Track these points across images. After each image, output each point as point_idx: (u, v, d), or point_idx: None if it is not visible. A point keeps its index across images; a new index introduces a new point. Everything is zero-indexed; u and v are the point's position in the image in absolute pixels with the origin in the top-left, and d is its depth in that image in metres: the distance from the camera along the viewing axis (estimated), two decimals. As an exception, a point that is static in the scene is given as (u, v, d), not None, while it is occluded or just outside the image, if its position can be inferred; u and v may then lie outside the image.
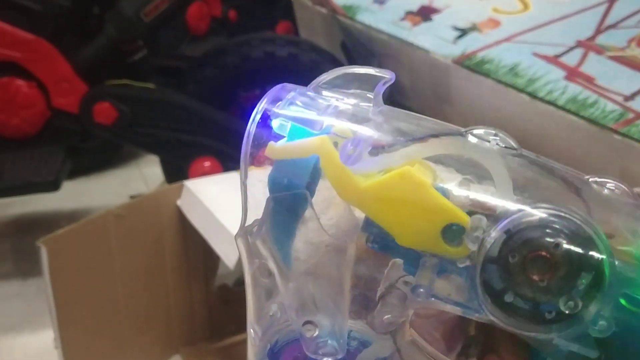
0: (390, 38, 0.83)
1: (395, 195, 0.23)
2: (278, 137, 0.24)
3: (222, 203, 0.66)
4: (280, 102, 0.25)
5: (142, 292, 0.73)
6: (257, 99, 0.25)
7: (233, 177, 0.74)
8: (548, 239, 0.21)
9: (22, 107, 0.95)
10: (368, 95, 0.25)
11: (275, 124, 0.24)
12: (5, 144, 0.99)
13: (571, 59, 0.68)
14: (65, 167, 1.01)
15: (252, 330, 0.26)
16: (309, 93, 0.25)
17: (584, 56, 0.68)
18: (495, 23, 0.78)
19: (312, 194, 0.24)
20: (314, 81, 0.26)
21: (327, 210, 0.25)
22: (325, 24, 0.98)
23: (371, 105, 0.25)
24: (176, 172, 0.99)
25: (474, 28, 0.78)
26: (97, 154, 1.41)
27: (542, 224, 0.21)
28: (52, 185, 1.00)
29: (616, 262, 0.21)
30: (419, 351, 0.25)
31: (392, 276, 0.24)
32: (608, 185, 0.24)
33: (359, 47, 0.90)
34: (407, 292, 0.23)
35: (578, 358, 0.22)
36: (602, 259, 0.21)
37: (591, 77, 0.65)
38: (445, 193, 0.23)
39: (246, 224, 0.25)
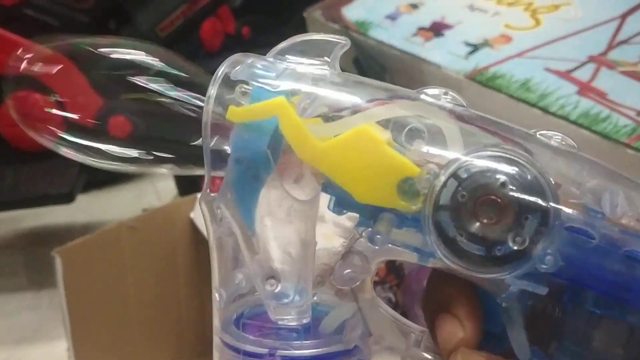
0: (402, 54, 0.84)
1: (352, 153, 0.23)
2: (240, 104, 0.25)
3: (235, 215, 0.66)
4: (239, 66, 0.25)
5: (154, 304, 0.73)
6: None
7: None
8: (496, 183, 0.22)
9: (39, 121, 0.96)
10: (326, 59, 0.26)
11: (235, 90, 0.25)
12: (21, 157, 1.00)
13: (583, 74, 0.68)
14: (80, 179, 1.02)
15: (217, 295, 0.26)
16: (268, 58, 0.26)
17: (596, 71, 0.68)
18: (507, 39, 0.78)
19: (276, 156, 0.24)
20: (273, 49, 0.26)
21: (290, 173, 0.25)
22: (338, 40, 0.99)
23: (328, 68, 0.25)
24: (189, 185, 1.00)
25: (485, 44, 0.79)
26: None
27: (489, 168, 0.22)
28: (67, 198, 1.01)
29: (561, 208, 0.22)
30: (380, 310, 0.26)
31: (352, 242, 0.25)
32: (554, 137, 0.25)
33: (371, 62, 0.91)
34: (367, 247, 0.24)
35: (529, 296, 0.23)
36: (547, 200, 0.22)
37: (603, 92, 0.65)
38: (401, 151, 0.23)
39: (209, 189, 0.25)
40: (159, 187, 1.45)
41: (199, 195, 0.78)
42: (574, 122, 0.63)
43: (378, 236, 0.23)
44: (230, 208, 0.25)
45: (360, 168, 0.23)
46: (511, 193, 0.22)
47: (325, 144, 0.23)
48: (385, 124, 0.24)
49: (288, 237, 0.25)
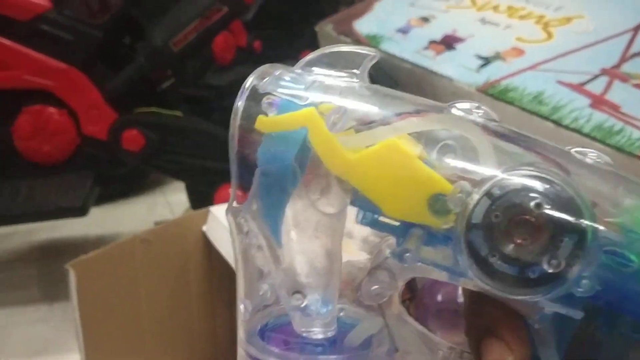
0: (414, 67, 0.84)
1: (383, 166, 0.23)
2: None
3: (247, 229, 0.66)
4: (267, 78, 0.25)
5: (166, 317, 0.73)
6: None
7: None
8: (531, 203, 0.21)
9: (53, 134, 0.97)
10: (355, 72, 0.25)
11: (263, 102, 0.24)
12: (36, 170, 1.01)
13: (596, 87, 0.68)
14: (94, 193, 1.03)
15: (242, 306, 0.26)
16: (296, 70, 0.25)
17: (609, 84, 0.68)
18: (519, 52, 0.78)
19: (303, 169, 0.24)
20: (301, 60, 0.26)
21: (317, 186, 0.25)
22: (349, 54, 0.99)
23: (357, 81, 0.25)
24: (202, 198, 1.00)
25: (497, 57, 0.79)
26: (124, 181, 1.43)
27: (524, 187, 0.22)
28: (80, 211, 1.02)
29: (599, 227, 0.21)
30: (407, 326, 0.25)
31: (379, 258, 0.24)
32: (590, 155, 0.24)
33: (383, 76, 0.91)
34: (395, 263, 0.23)
35: (563, 320, 0.22)
36: (584, 221, 0.21)
37: (617, 105, 0.65)
38: (432, 166, 0.23)
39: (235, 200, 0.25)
40: (171, 199, 1.45)
41: (211, 208, 0.78)
42: (587, 135, 0.63)
43: (407, 254, 0.23)
44: (256, 220, 0.25)
45: (390, 181, 0.23)
46: (546, 213, 0.21)
47: (355, 156, 0.23)
48: (416, 138, 0.23)
49: (314, 250, 0.25)
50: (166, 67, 1.04)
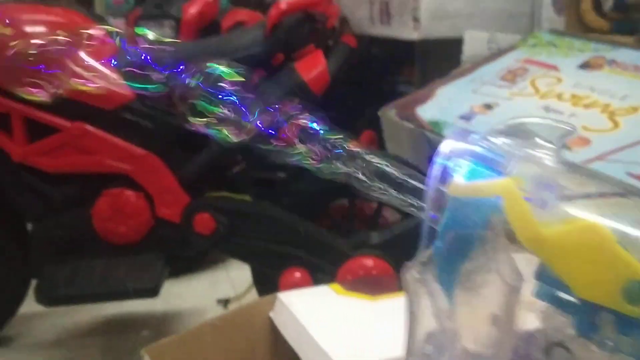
0: (478, 155, 0.85)
1: (579, 246, 0.23)
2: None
3: (315, 318, 0.67)
4: (462, 144, 0.26)
5: (233, 403, 0.73)
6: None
7: (326, 291, 0.75)
8: None
9: (130, 216, 1.02)
10: (549, 145, 0.26)
11: (455, 167, 0.25)
12: (110, 250, 1.05)
13: (668, 180, 0.67)
14: (164, 274, 1.06)
15: None
16: (490, 138, 0.26)
17: (682, 177, 0.66)
18: (585, 141, 0.78)
19: (488, 236, 0.24)
20: (489, 129, 0.27)
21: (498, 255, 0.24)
22: (412, 139, 1.01)
23: (552, 155, 0.26)
24: (267, 281, 1.01)
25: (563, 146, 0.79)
26: (188, 257, 1.47)
27: None
28: (152, 292, 1.04)
29: None
30: None
31: (556, 335, 0.24)
32: None
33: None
34: (579, 344, 0.23)
35: None
36: None
37: (691, 199, 0.63)
38: (630, 251, 0.22)
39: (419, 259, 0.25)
40: (233, 275, 1.47)
41: (279, 294, 0.79)
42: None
43: (609, 342, 0.22)
44: (433, 280, 0.25)
45: (586, 262, 0.23)
46: None
47: (550, 232, 0.23)
48: (615, 221, 0.23)
49: (487, 315, 0.24)
50: (238, 153, 1.08)
